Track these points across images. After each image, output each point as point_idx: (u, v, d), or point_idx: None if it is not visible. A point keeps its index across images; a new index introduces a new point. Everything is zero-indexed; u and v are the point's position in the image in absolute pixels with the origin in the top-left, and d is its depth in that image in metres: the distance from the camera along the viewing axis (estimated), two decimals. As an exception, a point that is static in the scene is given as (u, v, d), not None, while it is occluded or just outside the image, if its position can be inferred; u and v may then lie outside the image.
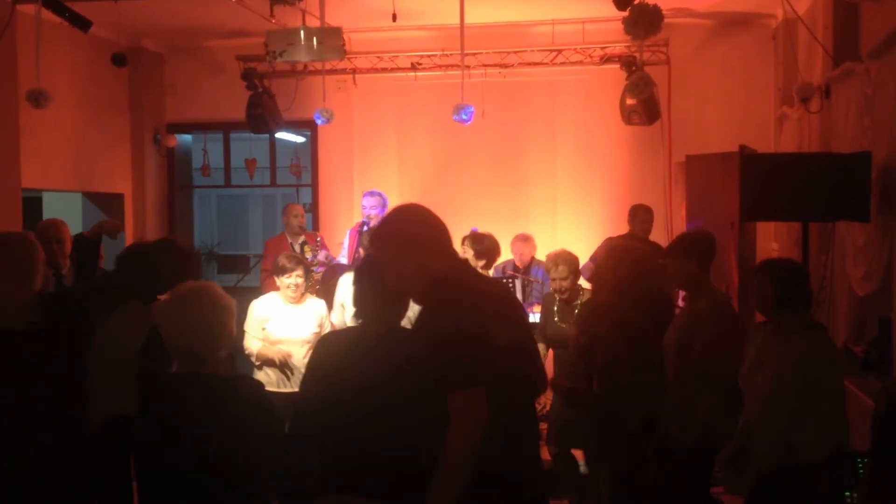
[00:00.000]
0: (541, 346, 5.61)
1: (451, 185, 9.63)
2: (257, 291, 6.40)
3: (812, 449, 3.81)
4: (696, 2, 8.40)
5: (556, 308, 5.75)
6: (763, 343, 4.06)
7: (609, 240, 8.17)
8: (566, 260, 5.70)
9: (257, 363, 5.72)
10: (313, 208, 10.30)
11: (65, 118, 8.67)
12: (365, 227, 7.38)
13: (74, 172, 9.00)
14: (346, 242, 7.91)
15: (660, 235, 8.39)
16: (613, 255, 4.17)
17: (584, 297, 5.63)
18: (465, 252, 5.83)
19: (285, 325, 5.72)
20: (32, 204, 9.35)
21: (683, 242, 4.87)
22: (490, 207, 9.29)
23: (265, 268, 8.31)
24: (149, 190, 10.01)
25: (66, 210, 9.88)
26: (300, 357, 5.58)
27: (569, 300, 5.69)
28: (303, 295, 5.79)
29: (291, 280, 5.67)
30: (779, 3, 6.62)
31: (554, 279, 5.77)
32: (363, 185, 8.96)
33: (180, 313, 2.97)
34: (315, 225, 10.08)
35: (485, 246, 5.81)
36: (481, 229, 7.44)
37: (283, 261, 5.73)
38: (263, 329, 5.70)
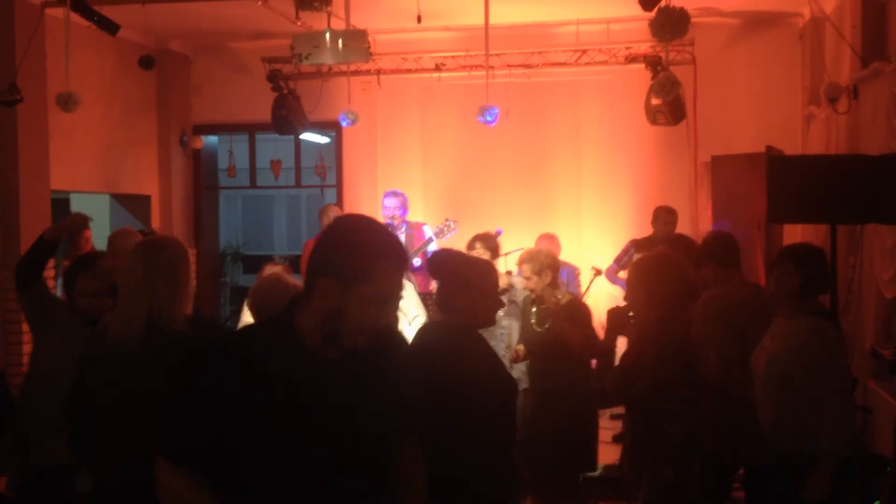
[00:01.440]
0: (521, 348, 5.58)
1: (475, 186, 9.63)
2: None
3: (813, 438, 3.77)
4: (723, 1, 8.35)
5: (533, 310, 5.60)
6: (774, 328, 4.06)
7: (634, 241, 8.17)
8: (530, 259, 5.52)
9: None
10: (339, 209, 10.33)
11: (93, 120, 8.75)
12: (397, 231, 7.40)
13: (102, 174, 9.08)
14: None
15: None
16: (650, 270, 4.05)
17: (564, 299, 5.48)
18: (481, 253, 5.81)
19: None
20: (60, 205, 9.44)
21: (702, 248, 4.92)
22: (515, 208, 9.28)
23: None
24: (175, 191, 10.08)
25: (93, 212, 9.96)
26: None
27: (537, 301, 5.53)
28: None
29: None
30: (806, 3, 6.57)
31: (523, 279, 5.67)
32: (387, 185, 8.97)
33: None
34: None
35: (489, 244, 5.81)
36: (506, 230, 7.44)
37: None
38: None
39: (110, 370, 3.34)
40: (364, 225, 2.37)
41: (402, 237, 7.22)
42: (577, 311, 5.44)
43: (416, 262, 6.42)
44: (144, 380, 3.26)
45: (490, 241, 5.89)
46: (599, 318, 5.74)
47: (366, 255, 2.27)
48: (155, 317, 3.32)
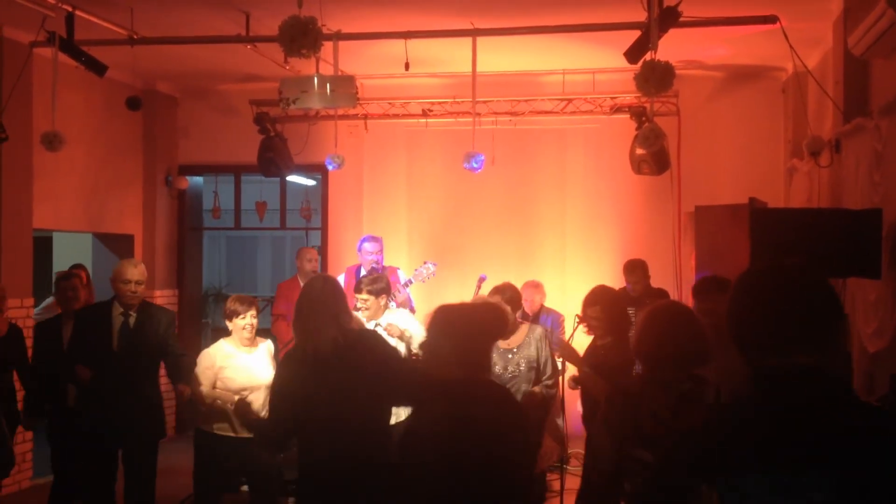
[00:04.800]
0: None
1: (460, 232, 9.65)
2: (266, 334, 6.39)
3: None
4: (707, 55, 8.46)
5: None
6: None
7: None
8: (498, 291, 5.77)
9: (204, 408, 5.65)
10: (322, 252, 10.30)
11: (77, 160, 8.73)
12: (378, 271, 7.40)
13: (86, 213, 9.04)
14: (343, 280, 7.89)
15: (669, 286, 8.37)
16: (654, 326, 3.85)
17: (522, 333, 5.71)
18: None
19: (243, 372, 5.63)
20: (42, 244, 9.39)
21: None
22: (500, 254, 9.30)
23: (277, 312, 8.30)
24: (159, 231, 10.05)
25: (76, 250, 9.93)
26: (261, 403, 5.49)
27: None
28: (255, 337, 5.75)
29: (246, 321, 5.62)
30: (789, 58, 6.66)
31: None
32: (372, 229, 8.98)
33: None
34: (324, 268, 10.08)
35: (507, 295, 5.83)
36: (490, 276, 7.44)
37: (233, 304, 5.66)
38: (217, 380, 5.62)
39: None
40: None
41: None
42: None
43: (392, 305, 6.45)
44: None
45: (507, 293, 5.91)
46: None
47: None
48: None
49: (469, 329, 3.47)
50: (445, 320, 3.52)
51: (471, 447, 3.23)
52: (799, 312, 1.93)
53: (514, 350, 5.69)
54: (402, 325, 6.01)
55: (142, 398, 5.86)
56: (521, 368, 5.66)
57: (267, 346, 5.82)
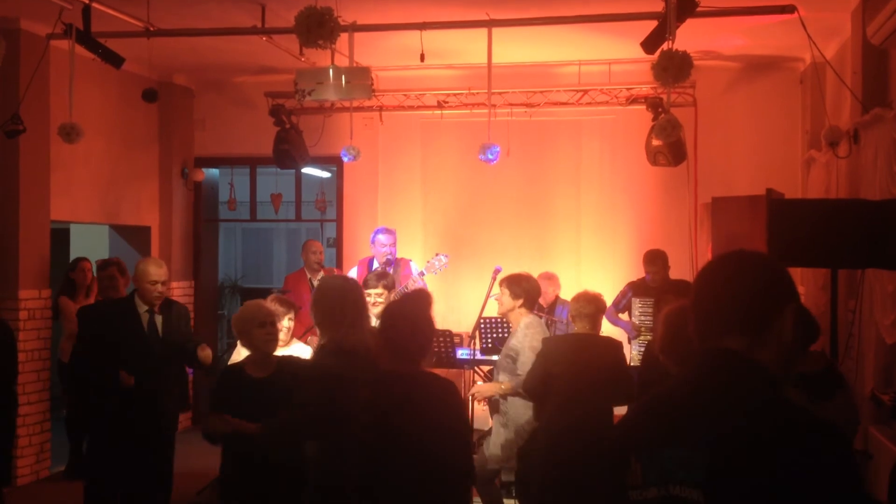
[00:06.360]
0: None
1: (475, 224, 9.64)
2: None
3: None
4: (724, 45, 8.41)
5: None
6: None
7: (631, 284, 8.17)
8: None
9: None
10: (337, 244, 10.33)
11: (94, 152, 8.77)
12: (390, 266, 7.41)
13: (103, 205, 9.09)
14: (356, 272, 7.89)
15: (686, 278, 8.33)
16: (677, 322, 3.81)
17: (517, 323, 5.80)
18: (502, 293, 5.86)
19: None
20: (60, 235, 9.44)
21: None
22: (515, 246, 9.29)
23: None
24: (175, 223, 10.09)
25: (93, 242, 9.98)
26: None
27: None
28: (290, 339, 5.57)
29: (283, 323, 5.34)
30: (807, 48, 6.60)
31: None
32: (387, 221, 8.98)
33: None
34: (339, 260, 10.10)
35: (521, 287, 5.84)
36: (505, 268, 7.43)
37: (272, 306, 5.16)
38: None
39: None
40: None
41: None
42: None
43: None
44: None
45: (516, 286, 5.95)
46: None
47: None
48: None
49: (402, 322, 3.59)
50: (385, 316, 3.68)
51: (395, 439, 3.30)
52: (731, 297, 1.93)
53: (508, 337, 5.90)
54: None
55: (169, 388, 6.08)
56: (501, 357, 5.83)
57: (301, 349, 5.61)
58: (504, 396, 5.82)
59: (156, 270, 5.99)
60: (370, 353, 3.86)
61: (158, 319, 6.00)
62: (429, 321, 3.61)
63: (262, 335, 4.55)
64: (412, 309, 3.62)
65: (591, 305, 5.73)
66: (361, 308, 4.06)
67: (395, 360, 3.50)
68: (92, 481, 6.17)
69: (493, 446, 5.86)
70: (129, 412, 5.81)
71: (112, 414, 5.90)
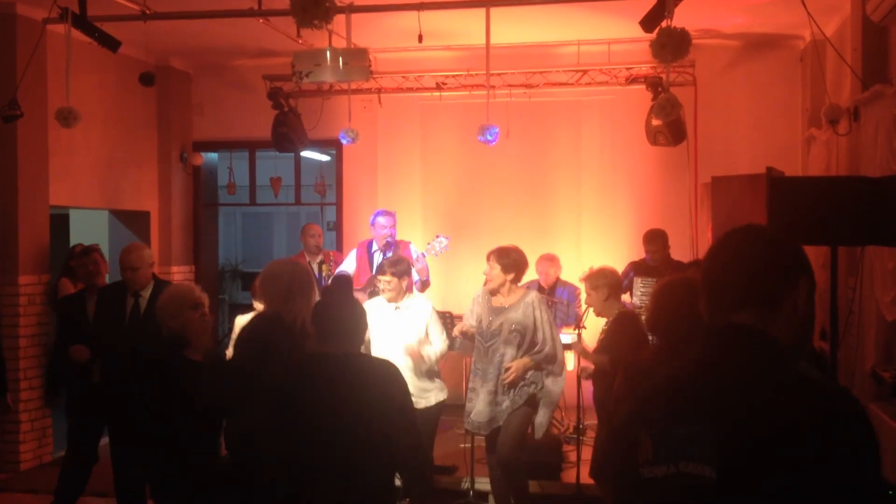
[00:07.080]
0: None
1: (475, 205, 9.64)
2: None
3: None
4: (723, 23, 8.37)
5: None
6: None
7: (633, 264, 8.16)
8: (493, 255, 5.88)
9: None
10: (337, 227, 10.33)
11: (93, 136, 8.75)
12: (389, 249, 7.39)
13: (102, 190, 9.07)
14: (354, 255, 7.87)
15: (686, 258, 8.33)
16: (669, 297, 3.80)
17: (516, 295, 5.81)
18: (492, 268, 5.80)
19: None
20: (59, 221, 9.43)
21: None
22: (515, 227, 9.27)
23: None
24: (174, 207, 10.07)
25: (93, 227, 9.97)
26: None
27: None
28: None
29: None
30: (806, 25, 6.57)
31: None
32: (387, 204, 8.97)
33: None
34: (339, 243, 10.10)
35: (511, 259, 5.79)
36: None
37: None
38: None
39: None
40: None
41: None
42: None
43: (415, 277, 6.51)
44: None
45: (506, 258, 5.92)
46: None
47: None
48: None
49: (323, 301, 3.56)
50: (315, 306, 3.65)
51: (309, 420, 3.27)
52: (741, 271, 1.90)
53: (505, 308, 5.79)
54: (419, 320, 6.02)
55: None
56: (503, 329, 5.73)
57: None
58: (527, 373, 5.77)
59: (123, 257, 6.03)
60: (304, 332, 3.86)
61: (142, 301, 5.99)
62: (352, 303, 3.54)
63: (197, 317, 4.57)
64: (338, 293, 3.55)
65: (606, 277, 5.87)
66: (308, 291, 4.03)
67: (322, 343, 3.44)
68: (70, 454, 6.32)
69: (539, 427, 5.92)
70: (111, 389, 5.87)
71: (86, 387, 6.09)
